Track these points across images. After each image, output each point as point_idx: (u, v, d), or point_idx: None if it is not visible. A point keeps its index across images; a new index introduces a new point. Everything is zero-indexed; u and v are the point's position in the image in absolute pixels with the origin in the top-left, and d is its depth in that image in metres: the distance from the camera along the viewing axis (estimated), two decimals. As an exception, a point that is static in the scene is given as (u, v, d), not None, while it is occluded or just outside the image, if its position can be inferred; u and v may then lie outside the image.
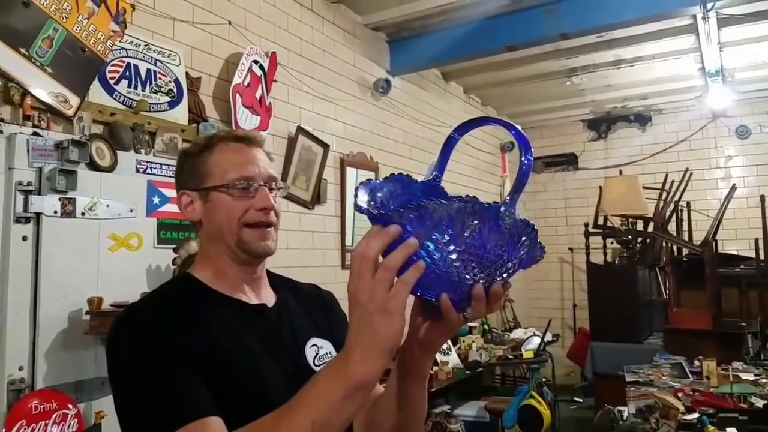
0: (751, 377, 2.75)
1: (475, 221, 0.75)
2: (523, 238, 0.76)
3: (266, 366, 1.00)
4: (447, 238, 0.74)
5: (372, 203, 0.80)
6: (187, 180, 1.11)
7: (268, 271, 1.16)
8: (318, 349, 1.10)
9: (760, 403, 2.39)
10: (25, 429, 1.98)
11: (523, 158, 0.80)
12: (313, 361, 1.08)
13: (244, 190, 1.05)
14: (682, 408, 2.29)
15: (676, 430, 2.08)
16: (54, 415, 2.06)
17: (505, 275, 0.77)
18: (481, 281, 0.76)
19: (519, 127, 0.83)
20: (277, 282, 1.17)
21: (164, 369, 0.90)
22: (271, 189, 1.09)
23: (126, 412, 0.92)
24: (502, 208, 0.75)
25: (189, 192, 1.09)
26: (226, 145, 1.09)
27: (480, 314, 0.79)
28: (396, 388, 0.94)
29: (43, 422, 2.02)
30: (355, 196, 0.80)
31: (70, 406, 2.13)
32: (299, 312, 1.14)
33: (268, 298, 1.12)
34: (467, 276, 0.76)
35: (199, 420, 0.85)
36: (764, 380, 2.69)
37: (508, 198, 0.77)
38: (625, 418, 2.36)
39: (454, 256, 0.75)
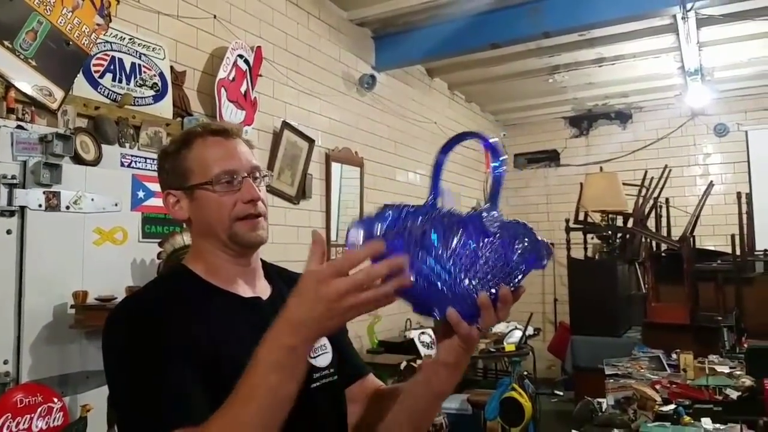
0: (726, 370, 2.82)
1: (460, 229, 0.76)
2: (520, 239, 0.77)
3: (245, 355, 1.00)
4: (437, 251, 0.76)
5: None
6: (170, 179, 1.09)
7: (262, 261, 1.15)
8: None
9: (734, 394, 2.46)
10: (10, 423, 1.98)
11: (493, 163, 0.83)
12: (309, 354, 1.09)
13: (229, 184, 1.04)
14: (659, 399, 2.36)
15: (653, 421, 2.14)
16: (39, 409, 2.05)
17: (515, 280, 0.77)
18: (485, 289, 0.76)
19: (489, 138, 0.86)
20: (271, 272, 1.17)
21: (159, 369, 0.90)
22: (255, 179, 1.07)
23: (121, 409, 0.93)
24: (484, 214, 0.77)
25: (173, 191, 1.08)
26: (203, 140, 1.07)
27: (490, 323, 0.80)
28: (413, 399, 0.98)
29: (29, 416, 2.01)
30: (348, 235, 0.80)
31: (56, 400, 2.12)
32: None
33: (263, 289, 1.12)
34: (468, 286, 0.76)
35: (190, 427, 0.85)
36: (739, 373, 2.76)
37: (487, 205, 0.79)
38: (604, 410, 2.42)
39: (450, 268, 0.76)
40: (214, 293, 1.05)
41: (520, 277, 0.78)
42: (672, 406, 2.24)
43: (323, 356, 1.10)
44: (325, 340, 1.11)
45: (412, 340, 4.00)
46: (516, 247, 0.77)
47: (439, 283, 0.76)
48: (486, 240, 0.77)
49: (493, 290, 0.77)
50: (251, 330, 1.00)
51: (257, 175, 1.08)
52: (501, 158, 0.83)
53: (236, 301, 1.06)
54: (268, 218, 1.10)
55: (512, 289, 0.79)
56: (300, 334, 0.79)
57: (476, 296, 0.77)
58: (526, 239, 0.77)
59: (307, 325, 0.78)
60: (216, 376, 0.92)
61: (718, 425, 2.01)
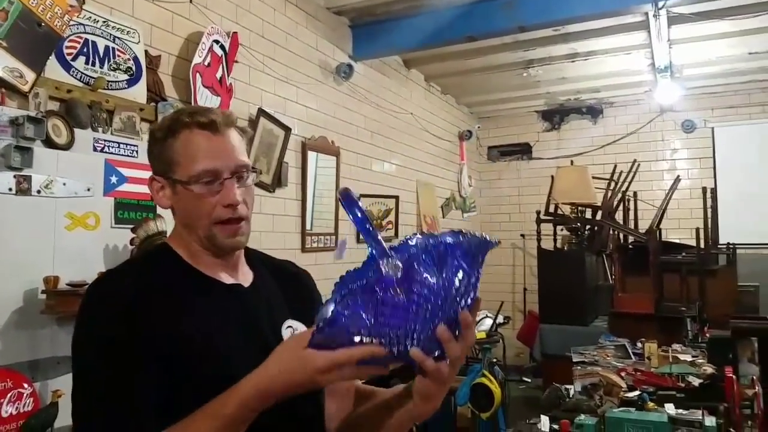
0: (689, 358, 2.92)
1: (374, 295, 0.74)
2: (449, 260, 0.75)
3: (239, 349, 0.98)
4: (375, 321, 0.75)
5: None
6: (155, 165, 1.06)
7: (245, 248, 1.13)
8: (293, 331, 1.08)
9: (696, 382, 2.55)
10: (-21, 408, 1.96)
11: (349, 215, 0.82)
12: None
13: (209, 185, 1.00)
14: (624, 386, 2.43)
15: (618, 406, 2.21)
16: (9, 394, 2.03)
17: (467, 299, 0.76)
18: (437, 320, 0.75)
19: (344, 193, 0.84)
20: (254, 259, 1.15)
21: (113, 363, 0.89)
22: (240, 178, 1.03)
23: (73, 388, 0.92)
24: (383, 261, 0.75)
25: (158, 178, 1.06)
26: (190, 132, 1.02)
27: (455, 352, 0.79)
28: (388, 413, 1.01)
29: (-1, 400, 1.99)
30: (319, 312, 0.79)
31: (26, 385, 2.11)
32: (275, 292, 1.12)
33: (245, 276, 1.10)
34: (418, 325, 0.75)
35: None
36: (701, 361, 2.86)
37: (372, 250, 0.78)
38: (571, 396, 2.49)
39: (395, 333, 0.75)
40: (195, 278, 1.03)
41: (470, 293, 0.76)
42: (637, 393, 2.31)
43: None
44: (304, 329, 1.09)
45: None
46: (447, 269, 0.75)
47: (394, 349, 0.76)
48: (403, 287, 0.75)
49: (449, 319, 0.75)
50: (230, 318, 1.01)
51: (243, 173, 1.04)
52: (353, 208, 0.82)
53: (217, 287, 1.04)
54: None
55: (469, 309, 0.78)
56: (266, 402, 0.86)
57: (432, 330, 0.75)
58: (452, 258, 0.75)
59: (275, 396, 0.85)
60: (189, 365, 0.92)
61: (680, 410, 2.08)
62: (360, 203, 0.83)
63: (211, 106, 1.09)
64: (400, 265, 0.76)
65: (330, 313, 0.77)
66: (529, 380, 6.00)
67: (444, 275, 0.75)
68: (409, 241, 0.79)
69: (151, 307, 0.93)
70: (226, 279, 1.06)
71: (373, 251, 0.78)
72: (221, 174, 1.01)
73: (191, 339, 0.94)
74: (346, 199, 0.82)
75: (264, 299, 1.09)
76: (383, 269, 0.76)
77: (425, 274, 0.74)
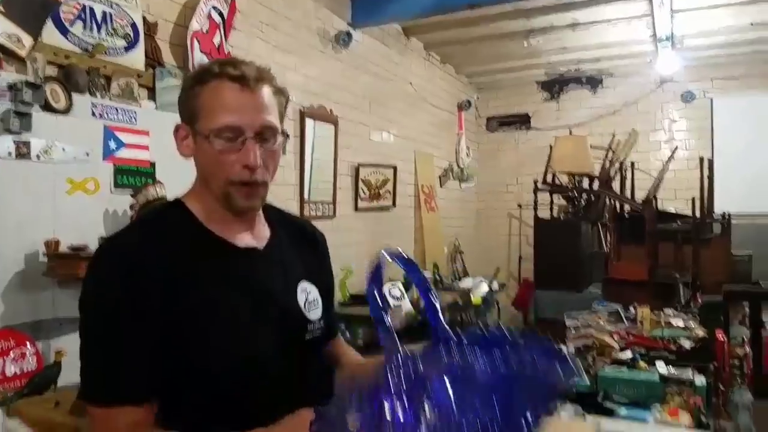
0: (681, 323, 2.96)
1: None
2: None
3: (254, 315, 0.98)
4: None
5: None
6: (182, 112, 1.02)
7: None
8: (307, 294, 1.08)
9: (687, 344, 2.59)
10: (-16, 367, 2.00)
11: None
12: (304, 306, 1.06)
13: (230, 141, 0.96)
14: (616, 347, 2.48)
15: (610, 365, 2.25)
16: (12, 353, 2.08)
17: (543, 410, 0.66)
18: None
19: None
20: (272, 216, 1.13)
21: (123, 330, 0.89)
22: (264, 140, 0.98)
23: (81, 346, 0.92)
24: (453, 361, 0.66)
25: (184, 126, 1.01)
26: (219, 82, 0.97)
27: None
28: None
29: (1, 360, 2.04)
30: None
31: (28, 345, 2.15)
32: (291, 252, 1.11)
33: (261, 234, 1.08)
34: None
35: (130, 407, 0.88)
36: (693, 325, 2.90)
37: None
38: (564, 358, 2.53)
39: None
40: (207, 242, 1.00)
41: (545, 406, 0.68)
42: (629, 353, 2.36)
43: (315, 311, 1.09)
44: (317, 295, 1.10)
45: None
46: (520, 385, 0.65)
47: None
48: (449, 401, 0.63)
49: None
50: (240, 284, 0.99)
51: (268, 135, 0.99)
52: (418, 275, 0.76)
53: (230, 251, 1.01)
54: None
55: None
56: None
57: None
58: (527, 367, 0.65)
59: None
60: (200, 332, 0.92)
61: (671, 368, 2.13)
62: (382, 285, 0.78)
63: (248, 61, 1.02)
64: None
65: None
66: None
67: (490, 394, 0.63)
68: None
69: (160, 269, 0.91)
70: (240, 241, 1.03)
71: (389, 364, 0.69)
72: (243, 132, 0.96)
73: (201, 304, 0.93)
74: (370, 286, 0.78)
75: (278, 261, 1.07)
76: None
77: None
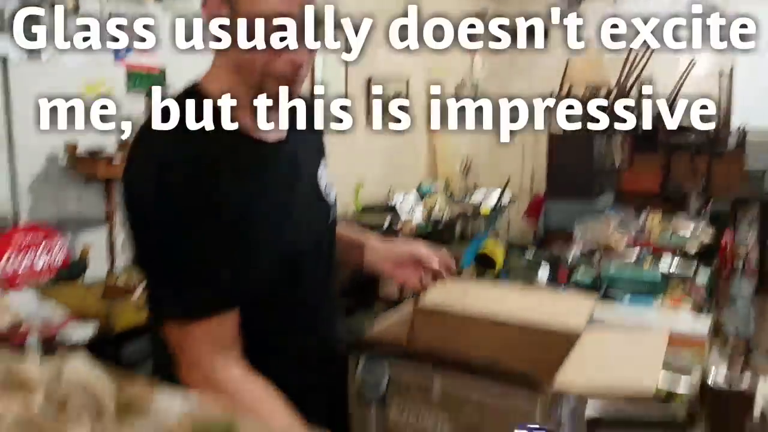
0: (689, 230, 2.99)
1: None
2: None
3: (300, 206, 0.98)
4: None
5: None
6: None
7: None
8: (325, 178, 1.08)
9: (693, 249, 2.63)
10: (14, 259, 2.09)
11: None
12: (325, 191, 1.06)
13: (277, 30, 0.84)
14: (623, 246, 2.52)
15: (615, 264, 2.29)
16: (41, 245, 2.16)
17: None
18: None
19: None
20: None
21: (201, 238, 0.84)
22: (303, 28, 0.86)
23: (152, 274, 0.88)
24: None
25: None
26: None
27: None
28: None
29: (32, 252, 2.12)
30: None
31: (56, 239, 2.23)
32: (304, 135, 1.05)
33: (282, 118, 0.99)
34: None
35: (221, 315, 0.85)
36: (700, 231, 2.93)
37: None
38: (570, 260, 2.59)
39: None
40: (240, 141, 0.92)
41: None
42: (635, 252, 2.39)
43: (332, 193, 1.09)
44: (326, 176, 1.09)
45: (394, 206, 4.14)
46: None
47: None
48: None
49: None
50: (280, 178, 0.96)
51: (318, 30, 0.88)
52: None
53: (265, 150, 0.95)
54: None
55: None
56: None
57: None
58: None
59: None
60: (251, 233, 0.89)
61: (675, 263, 2.16)
62: None
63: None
64: None
65: None
66: (530, 258, 6.17)
67: None
68: None
69: (213, 176, 0.85)
70: (267, 133, 0.95)
71: None
72: (295, 22, 0.84)
73: (241, 208, 0.88)
74: None
75: (303, 148, 1.03)
76: None
77: None
